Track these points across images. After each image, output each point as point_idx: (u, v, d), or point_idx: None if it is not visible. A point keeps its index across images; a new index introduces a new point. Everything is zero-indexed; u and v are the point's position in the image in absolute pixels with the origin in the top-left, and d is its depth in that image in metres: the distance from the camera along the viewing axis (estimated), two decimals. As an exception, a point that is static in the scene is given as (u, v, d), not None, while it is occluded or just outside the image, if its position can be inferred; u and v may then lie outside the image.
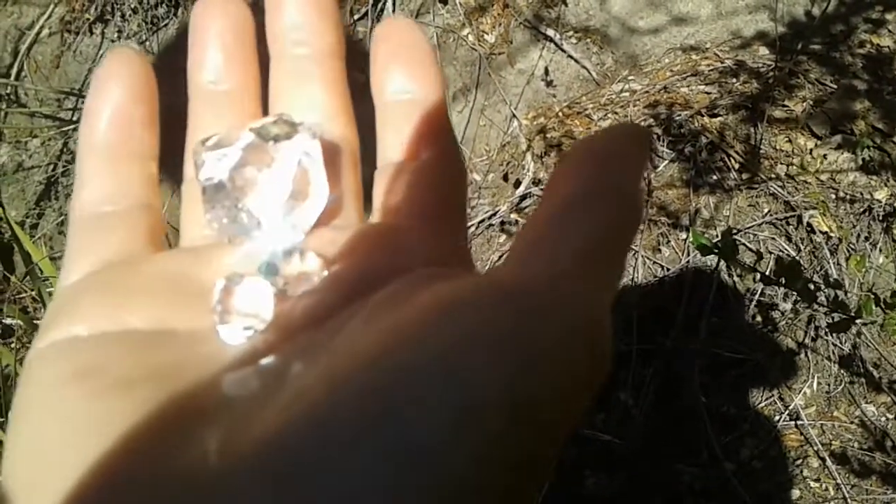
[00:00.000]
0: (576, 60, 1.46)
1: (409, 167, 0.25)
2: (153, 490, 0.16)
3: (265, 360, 0.21)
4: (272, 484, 0.15)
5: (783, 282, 1.00)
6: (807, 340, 1.26)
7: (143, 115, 0.25)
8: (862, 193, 1.28)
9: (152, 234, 0.25)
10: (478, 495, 0.15)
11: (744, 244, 1.29)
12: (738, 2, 1.47)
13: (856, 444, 1.21)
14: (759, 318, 1.27)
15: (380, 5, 1.48)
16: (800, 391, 1.24)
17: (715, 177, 1.33)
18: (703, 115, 1.35)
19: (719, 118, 1.35)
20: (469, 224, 1.33)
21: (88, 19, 1.52)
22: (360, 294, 0.21)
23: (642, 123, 1.33)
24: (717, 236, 1.26)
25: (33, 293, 1.24)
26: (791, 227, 1.30)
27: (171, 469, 0.17)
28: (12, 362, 1.04)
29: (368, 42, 0.27)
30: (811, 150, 1.31)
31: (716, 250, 0.97)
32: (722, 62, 1.40)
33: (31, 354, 0.22)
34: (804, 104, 1.33)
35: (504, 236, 1.34)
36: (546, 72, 1.46)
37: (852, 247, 1.27)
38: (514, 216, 1.33)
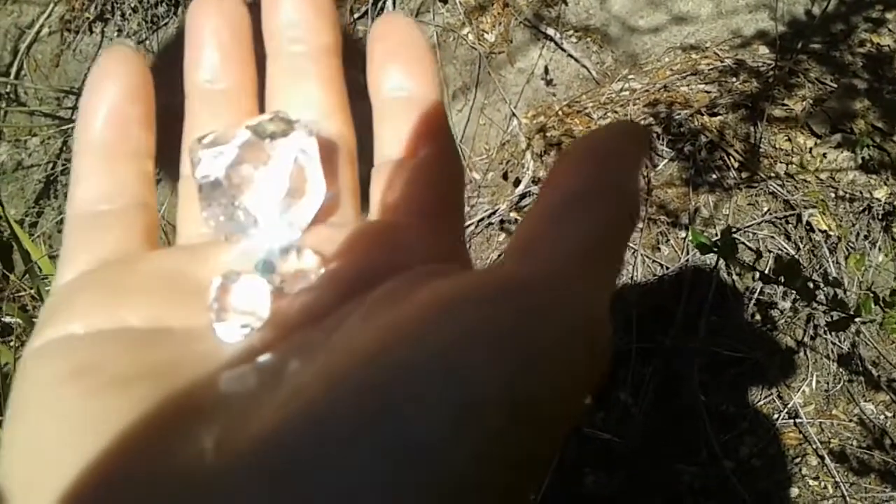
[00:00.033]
0: (576, 59, 1.46)
1: (406, 164, 0.25)
2: (150, 488, 0.16)
3: (262, 358, 0.21)
4: (269, 482, 0.15)
5: (782, 280, 1.00)
6: (806, 339, 1.26)
7: (140, 113, 0.25)
8: (861, 192, 1.28)
9: (148, 233, 0.25)
10: (477, 493, 0.15)
11: (743, 243, 1.29)
12: (738, 1, 1.47)
13: (854, 443, 1.21)
14: (758, 317, 1.27)
15: (380, 4, 1.48)
16: (799, 389, 1.24)
17: (714, 175, 1.33)
18: (702, 114, 1.34)
19: (719, 117, 1.35)
20: (468, 223, 1.33)
21: (88, 18, 1.52)
22: (357, 292, 0.21)
23: (642, 122, 1.33)
24: (716, 235, 1.26)
25: (32, 291, 1.24)
26: (790, 225, 1.30)
27: (168, 467, 0.17)
28: (11, 360, 1.04)
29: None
30: (811, 148, 1.31)
31: (715, 249, 0.97)
32: (722, 61, 1.40)
33: (28, 352, 0.21)
34: (804, 103, 1.33)
35: (503, 235, 1.34)
36: (546, 71, 1.46)
37: (851, 245, 1.27)
38: (513, 215, 1.33)
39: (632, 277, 1.29)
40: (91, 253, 0.24)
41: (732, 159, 1.32)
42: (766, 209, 1.31)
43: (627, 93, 1.39)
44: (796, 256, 1.27)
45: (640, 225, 1.31)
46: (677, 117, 1.33)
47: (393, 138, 0.26)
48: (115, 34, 1.53)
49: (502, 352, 0.16)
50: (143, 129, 0.25)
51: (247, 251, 0.24)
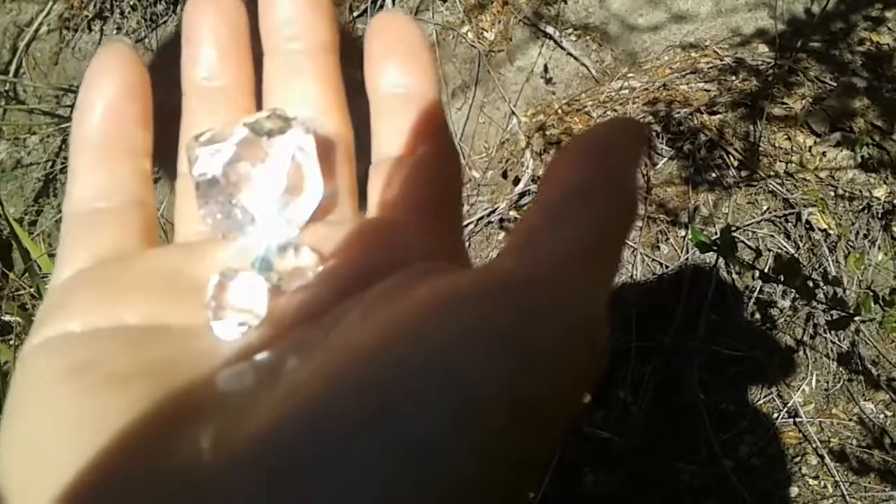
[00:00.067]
0: (575, 58, 1.46)
1: (404, 162, 0.25)
2: (148, 486, 0.16)
3: (260, 356, 0.21)
4: (267, 479, 0.15)
5: (782, 279, 1.00)
6: (805, 338, 1.26)
7: (137, 110, 0.25)
8: (861, 191, 1.27)
9: (146, 231, 0.25)
10: (476, 491, 0.15)
11: (743, 241, 1.29)
12: (738, -1, 1.47)
13: (854, 442, 1.21)
14: (757, 316, 1.27)
15: (379, 2, 1.48)
16: (798, 388, 1.24)
17: (714, 174, 1.33)
18: (702, 113, 1.34)
19: (718, 116, 1.35)
20: (468, 221, 1.33)
21: (87, 16, 1.52)
22: (355, 289, 0.21)
23: (642, 120, 1.33)
24: (715, 234, 1.26)
25: (32, 290, 1.23)
26: (790, 224, 1.30)
27: (166, 465, 0.17)
28: (11, 359, 1.04)
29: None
30: (810, 147, 1.31)
31: (715, 248, 0.97)
32: (721, 60, 1.40)
33: (26, 350, 0.21)
34: (803, 102, 1.33)
35: (503, 234, 1.34)
36: (545, 69, 1.46)
37: (851, 244, 1.27)
38: (513, 213, 1.33)
39: (631, 276, 1.29)
40: (88, 251, 0.24)
41: (732, 158, 1.32)
42: (765, 208, 1.31)
43: (627, 91, 1.39)
44: (796, 255, 1.27)
45: (640, 223, 1.31)
46: (677, 116, 1.33)
47: (391, 135, 0.26)
48: (115, 32, 1.53)
49: (502, 350, 0.16)
50: (140, 127, 0.25)
51: (244, 249, 0.24)
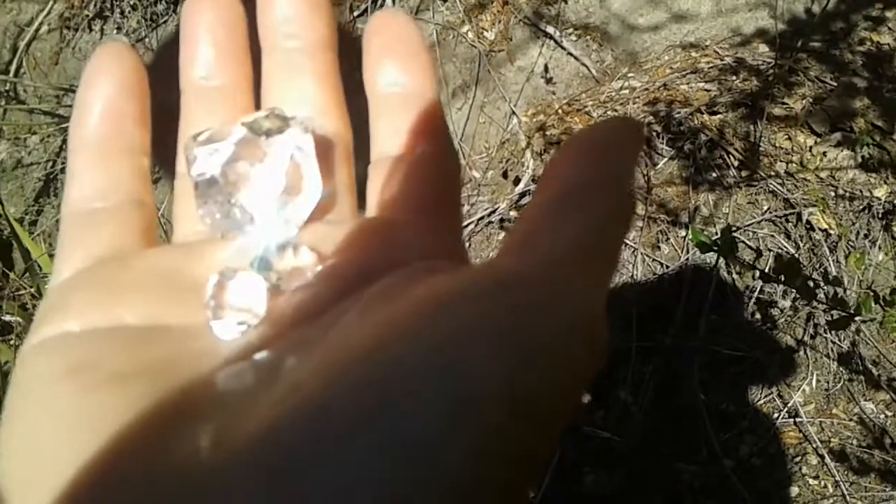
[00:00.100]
0: (575, 58, 1.46)
1: (403, 161, 0.25)
2: (147, 486, 0.16)
3: (259, 355, 0.21)
4: (266, 479, 0.15)
5: (782, 279, 1.00)
6: (806, 338, 1.26)
7: (135, 109, 0.25)
8: (861, 191, 1.27)
9: (145, 230, 0.25)
10: (476, 489, 0.15)
11: (743, 241, 1.29)
12: (738, -1, 1.47)
13: (854, 442, 1.21)
14: (758, 316, 1.27)
15: (379, 2, 1.48)
16: (799, 388, 1.24)
17: (714, 174, 1.33)
18: (702, 113, 1.34)
19: (719, 115, 1.35)
20: (468, 221, 1.33)
21: (88, 16, 1.52)
22: (354, 289, 0.21)
23: (642, 120, 1.33)
24: (716, 234, 1.26)
25: (32, 290, 1.23)
26: (790, 224, 1.30)
27: (165, 465, 0.17)
28: (11, 359, 1.04)
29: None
30: (811, 147, 1.31)
31: (715, 248, 0.97)
32: (722, 60, 1.40)
33: (24, 350, 0.21)
34: (804, 102, 1.33)
35: (503, 234, 1.34)
36: (546, 69, 1.46)
37: (851, 244, 1.27)
38: (513, 213, 1.33)
39: (632, 276, 1.29)
40: (87, 251, 0.24)
41: (732, 158, 1.32)
42: (765, 208, 1.31)
43: (627, 91, 1.39)
44: (796, 255, 1.27)
45: (640, 223, 1.31)
46: (677, 116, 1.33)
47: (390, 134, 0.26)
48: (115, 32, 1.53)
49: (501, 347, 0.16)
50: (138, 126, 0.25)
51: (243, 248, 0.24)
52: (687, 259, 1.29)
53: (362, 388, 0.15)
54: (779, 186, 1.29)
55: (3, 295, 1.27)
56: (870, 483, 1.18)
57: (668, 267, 1.29)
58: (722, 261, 1.25)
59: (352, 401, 0.15)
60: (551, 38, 1.47)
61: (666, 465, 1.19)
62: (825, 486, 1.19)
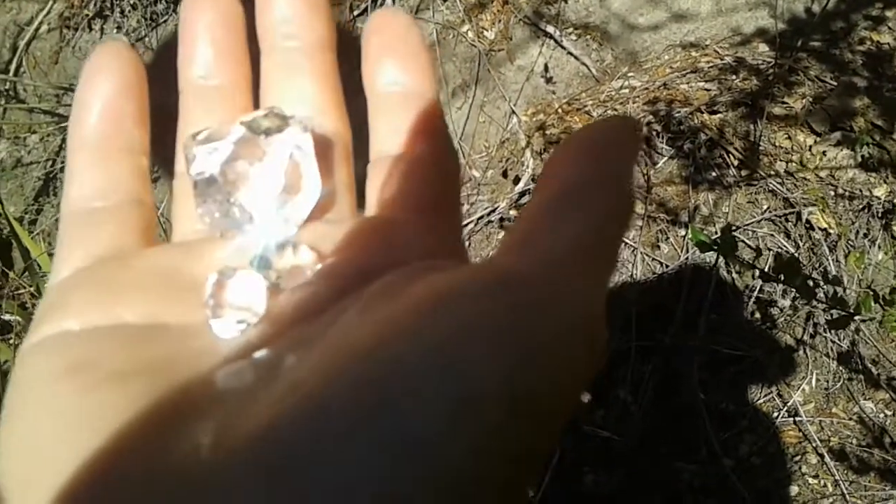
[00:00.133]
0: (575, 57, 1.46)
1: (402, 160, 0.25)
2: (146, 485, 0.16)
3: (258, 354, 0.21)
4: (266, 477, 0.15)
5: (782, 278, 1.00)
6: (805, 337, 1.26)
7: (134, 108, 0.25)
8: (861, 190, 1.27)
9: (144, 230, 0.25)
10: (475, 487, 0.15)
11: (743, 241, 1.29)
12: (738, -2, 1.47)
13: (854, 441, 1.21)
14: (757, 315, 1.27)
15: (379, 1, 1.47)
16: (798, 388, 1.24)
17: (714, 173, 1.33)
18: (702, 112, 1.34)
19: (719, 115, 1.35)
20: (468, 220, 1.33)
21: (87, 15, 1.52)
22: (354, 288, 0.21)
23: (642, 120, 1.33)
24: (716, 233, 1.26)
25: (32, 289, 1.23)
26: (790, 223, 1.30)
27: (164, 464, 0.17)
28: (10, 358, 1.04)
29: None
30: (810, 146, 1.31)
31: (715, 247, 0.97)
32: (722, 59, 1.40)
33: (24, 349, 0.21)
34: (804, 101, 1.33)
35: (503, 233, 1.34)
36: (546, 68, 1.46)
37: (851, 243, 1.27)
38: (513, 213, 1.33)
39: (631, 275, 1.29)
40: (86, 250, 0.24)
41: (732, 157, 1.32)
42: (765, 207, 1.31)
43: (627, 91, 1.39)
44: (796, 254, 1.27)
45: (640, 223, 1.31)
46: (677, 115, 1.33)
47: (389, 134, 0.26)
48: (115, 31, 1.53)
49: (500, 346, 0.16)
50: (137, 125, 0.25)
51: (242, 247, 0.24)
52: (686, 258, 1.29)
53: (362, 386, 0.15)
54: (778, 186, 1.29)
55: (2, 294, 1.27)
56: (869, 482, 1.18)
57: (667, 266, 1.29)
58: (721, 260, 1.25)
59: (351, 399, 0.15)
60: (551, 37, 1.47)
61: (665, 465, 1.19)
62: (825, 485, 1.19)
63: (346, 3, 1.46)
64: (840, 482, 1.17)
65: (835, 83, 1.33)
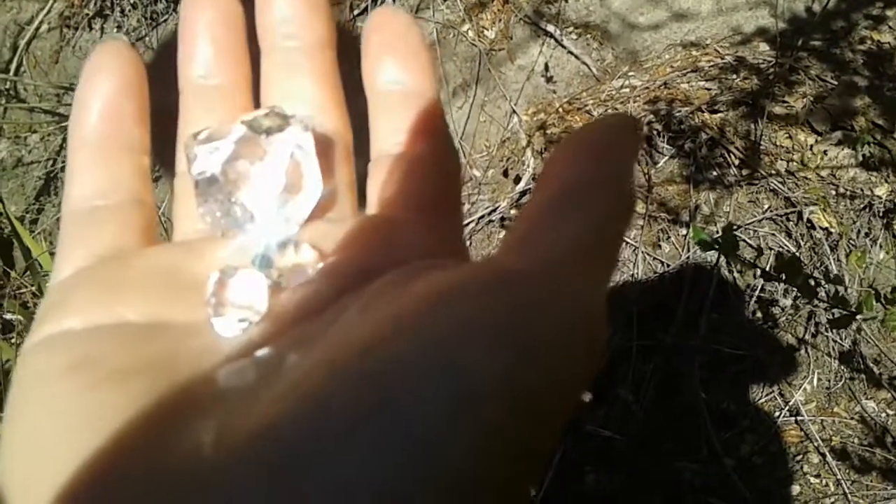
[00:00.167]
0: (576, 56, 1.46)
1: (403, 159, 0.25)
2: (147, 484, 0.16)
3: (260, 352, 0.21)
4: (267, 476, 0.15)
5: (783, 278, 1.00)
6: (807, 336, 1.26)
7: (134, 108, 0.25)
8: (862, 189, 1.27)
9: (145, 229, 0.25)
10: (475, 487, 0.15)
11: (744, 240, 1.29)
12: (739, -3, 1.47)
13: (856, 440, 1.21)
14: (759, 315, 1.27)
15: (379, 0, 1.47)
16: (800, 387, 1.24)
17: (715, 173, 1.32)
18: (703, 111, 1.34)
19: (719, 114, 1.35)
20: (469, 220, 1.33)
21: (88, 15, 1.52)
22: (355, 286, 0.21)
23: (642, 119, 1.33)
24: (717, 232, 1.26)
25: (33, 288, 1.24)
26: (791, 223, 1.29)
27: (165, 462, 0.17)
28: (12, 357, 1.04)
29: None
30: (811, 146, 1.31)
31: (716, 246, 0.97)
32: (722, 58, 1.40)
33: (26, 348, 0.21)
34: (804, 100, 1.33)
35: (504, 232, 1.34)
36: (546, 68, 1.46)
37: (852, 243, 1.27)
38: (513, 212, 1.33)
39: (633, 275, 1.29)
40: (87, 249, 0.24)
41: (733, 156, 1.32)
42: (766, 206, 1.31)
43: (628, 90, 1.38)
44: (797, 254, 1.27)
45: (641, 222, 1.31)
46: (678, 114, 1.33)
47: (389, 132, 0.26)
48: (115, 30, 1.53)
49: (501, 344, 0.16)
50: (137, 124, 0.25)
51: (244, 246, 0.24)
52: (688, 258, 1.29)
53: (362, 384, 0.15)
54: (779, 185, 1.29)
55: (4, 293, 1.27)
56: (871, 481, 1.18)
57: (668, 265, 1.29)
58: (723, 259, 1.25)
59: (352, 398, 0.15)
60: (552, 36, 1.46)
61: (667, 464, 1.19)
62: (826, 485, 1.19)
63: (345, 2, 1.46)
64: (842, 482, 1.17)
65: (835, 82, 1.33)
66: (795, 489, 1.19)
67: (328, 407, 0.15)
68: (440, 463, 0.15)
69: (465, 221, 1.33)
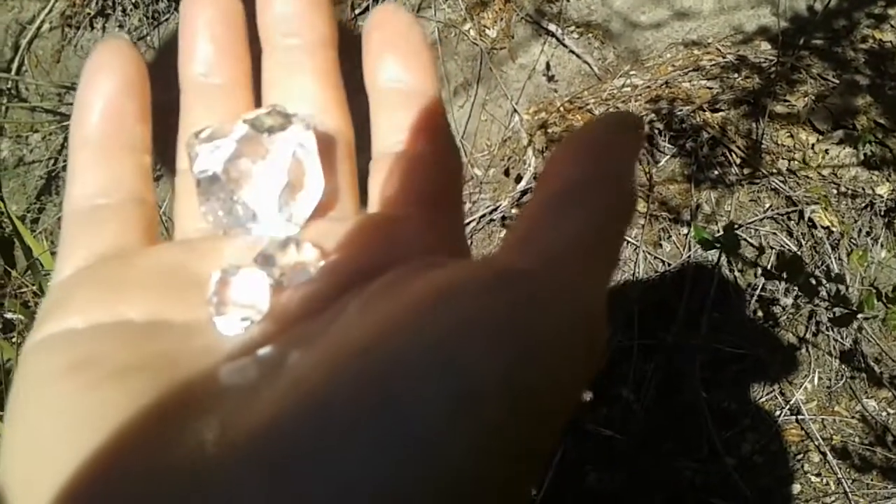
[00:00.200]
0: (577, 55, 1.46)
1: (404, 157, 0.25)
2: (148, 482, 0.16)
3: (262, 351, 0.21)
4: (268, 473, 0.15)
5: (785, 277, 1.00)
6: (808, 335, 1.26)
7: (135, 106, 0.25)
8: (863, 188, 1.27)
9: (146, 228, 0.25)
10: (475, 487, 0.15)
11: (745, 239, 1.29)
12: (740, -4, 1.47)
13: (857, 439, 1.21)
14: (760, 314, 1.27)
15: None
16: (801, 386, 1.24)
17: (716, 172, 1.32)
18: (704, 110, 1.34)
19: (721, 113, 1.34)
20: (470, 219, 1.33)
21: (89, 14, 1.52)
22: (356, 285, 0.21)
23: (643, 118, 1.33)
24: (718, 231, 1.26)
25: (34, 287, 1.24)
26: (792, 222, 1.29)
27: (166, 460, 0.17)
28: (14, 356, 1.04)
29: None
30: (813, 145, 1.31)
31: (718, 245, 0.97)
32: (724, 57, 1.40)
33: (27, 348, 0.21)
34: (806, 99, 1.33)
35: (505, 231, 1.34)
36: (547, 66, 1.46)
37: (854, 242, 1.27)
38: (514, 211, 1.33)
39: (634, 274, 1.29)
40: (89, 248, 0.24)
41: (734, 155, 1.32)
42: (767, 205, 1.31)
43: (629, 89, 1.38)
44: (798, 253, 1.27)
45: (642, 221, 1.31)
46: (679, 113, 1.33)
47: (390, 131, 0.26)
48: (116, 30, 1.53)
49: (501, 343, 0.16)
50: (139, 123, 0.25)
51: (245, 245, 0.24)
52: (689, 257, 1.29)
53: (363, 383, 0.15)
54: (781, 184, 1.29)
55: (5, 293, 1.27)
56: (872, 480, 1.18)
57: (669, 265, 1.29)
58: (724, 259, 1.25)
59: (353, 396, 0.15)
60: (553, 35, 1.46)
61: (668, 463, 1.19)
62: (827, 484, 1.19)
63: (347, 1, 1.46)
64: (842, 480, 1.17)
65: (837, 81, 1.33)
66: (796, 488, 1.19)
67: (329, 405, 0.15)
68: (440, 463, 0.15)
69: (467, 220, 1.33)
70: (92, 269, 0.23)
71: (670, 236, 1.32)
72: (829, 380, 1.25)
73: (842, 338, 1.25)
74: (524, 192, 1.34)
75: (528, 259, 0.18)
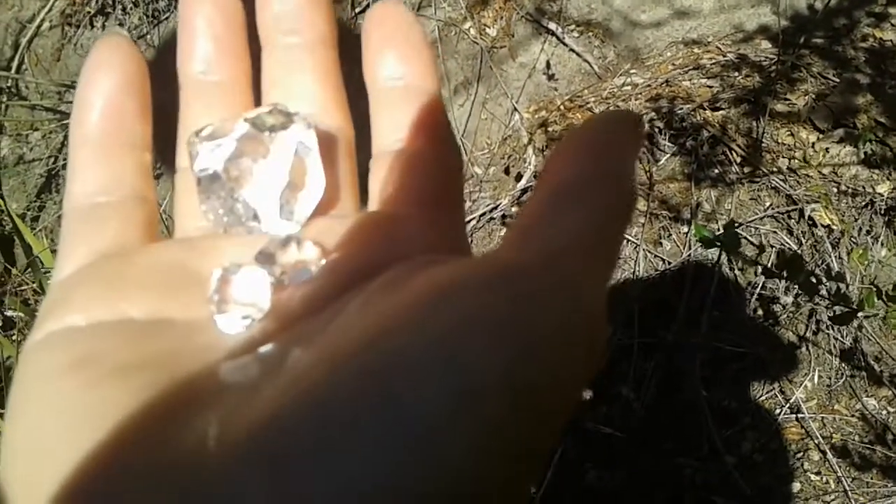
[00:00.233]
0: (577, 54, 1.46)
1: (405, 155, 0.25)
2: (149, 479, 0.16)
3: (263, 349, 0.21)
4: (269, 467, 0.15)
5: (785, 275, 1.00)
6: (808, 334, 1.26)
7: (135, 104, 0.25)
8: (864, 187, 1.27)
9: (147, 226, 0.25)
10: (475, 486, 0.15)
11: (745, 238, 1.29)
12: (741, -5, 1.47)
13: (857, 438, 1.21)
14: (760, 312, 1.27)
15: (381, -2, 1.47)
16: (801, 384, 1.24)
17: (717, 170, 1.32)
18: (704, 109, 1.34)
19: (721, 112, 1.34)
20: (470, 218, 1.33)
21: (89, 12, 1.52)
22: (357, 283, 0.21)
23: (643, 116, 1.33)
24: (718, 230, 1.26)
25: (34, 285, 1.24)
26: (793, 220, 1.29)
27: (167, 457, 0.17)
28: (14, 354, 1.05)
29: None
30: (813, 143, 1.31)
31: (718, 243, 0.97)
32: (724, 56, 1.40)
33: (28, 346, 0.21)
34: (806, 98, 1.33)
35: (505, 230, 1.34)
36: (548, 65, 1.45)
37: (854, 240, 1.27)
38: (515, 210, 1.33)
39: (634, 272, 1.29)
40: (89, 246, 0.24)
41: (734, 154, 1.32)
42: (768, 204, 1.31)
43: (629, 87, 1.38)
44: (799, 251, 1.27)
45: (642, 220, 1.31)
46: (679, 112, 1.33)
47: (391, 129, 0.26)
48: (116, 28, 1.53)
49: (501, 338, 0.16)
50: (139, 121, 0.25)
51: (246, 243, 0.24)
52: (689, 255, 1.29)
53: (365, 378, 0.16)
54: (781, 182, 1.29)
55: (5, 290, 1.27)
56: (872, 479, 1.18)
57: (670, 263, 1.29)
58: (724, 257, 1.25)
59: (355, 391, 0.15)
60: (553, 34, 1.46)
61: (668, 462, 1.19)
62: (827, 482, 1.19)
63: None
64: (842, 479, 1.17)
65: (837, 80, 1.33)
66: (796, 486, 1.19)
67: (330, 401, 0.15)
68: (440, 462, 0.15)
69: (467, 219, 1.33)
70: (93, 267, 0.23)
71: (670, 235, 1.32)
72: (830, 378, 1.25)
73: (842, 336, 1.25)
74: (524, 191, 1.34)
75: (528, 256, 0.18)
